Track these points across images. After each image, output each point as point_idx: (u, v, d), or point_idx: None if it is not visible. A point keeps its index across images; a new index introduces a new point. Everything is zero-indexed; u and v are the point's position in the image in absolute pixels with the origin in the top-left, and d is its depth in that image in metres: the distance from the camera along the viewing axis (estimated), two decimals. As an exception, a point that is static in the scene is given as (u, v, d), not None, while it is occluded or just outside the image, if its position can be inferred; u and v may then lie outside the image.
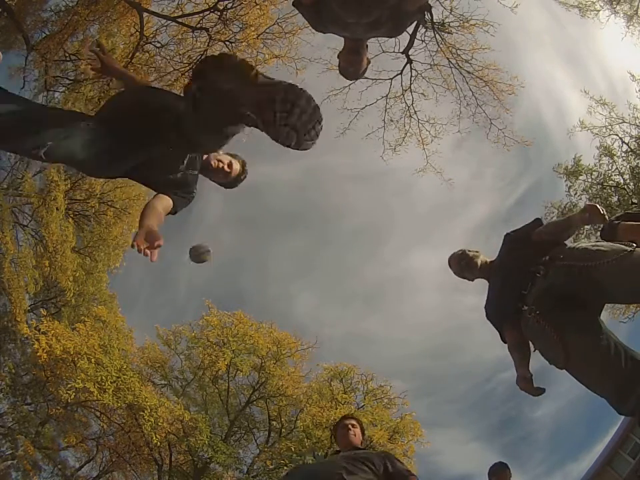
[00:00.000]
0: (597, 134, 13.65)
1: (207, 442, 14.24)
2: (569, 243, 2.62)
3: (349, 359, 18.62)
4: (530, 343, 2.59)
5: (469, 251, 3.04)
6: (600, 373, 2.16)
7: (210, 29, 10.58)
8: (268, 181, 25.15)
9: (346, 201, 31.29)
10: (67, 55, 11.15)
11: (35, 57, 10.80)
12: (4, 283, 12.69)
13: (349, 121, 12.16)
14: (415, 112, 12.14)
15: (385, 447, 14.46)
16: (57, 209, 12.50)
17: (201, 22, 10.62)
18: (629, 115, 13.38)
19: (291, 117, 1.82)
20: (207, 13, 10.51)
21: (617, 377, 2.11)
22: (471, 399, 30.07)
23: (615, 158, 13.74)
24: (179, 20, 10.66)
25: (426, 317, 33.55)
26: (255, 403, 17.18)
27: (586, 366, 2.21)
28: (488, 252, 3.06)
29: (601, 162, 13.82)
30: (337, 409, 15.36)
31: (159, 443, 14.20)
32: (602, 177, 13.78)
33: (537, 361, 2.55)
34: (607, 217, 2.50)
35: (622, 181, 13.69)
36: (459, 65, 11.47)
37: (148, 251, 1.85)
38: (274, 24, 10.79)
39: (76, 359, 13.43)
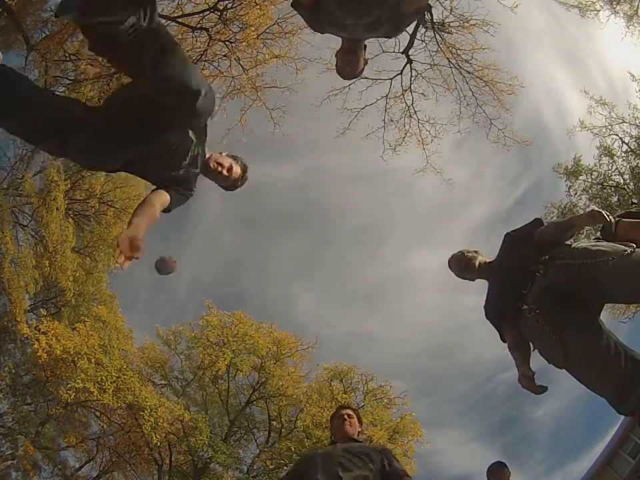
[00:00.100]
0: (597, 134, 13.67)
1: (206, 442, 14.24)
2: (569, 242, 2.62)
3: (348, 358, 18.64)
4: (530, 342, 2.59)
5: (468, 251, 3.04)
6: (600, 372, 2.16)
7: (210, 29, 10.58)
8: (268, 180, 25.13)
9: (346, 201, 31.33)
10: (67, 54, 11.16)
11: (34, 57, 10.80)
12: (4, 283, 12.69)
13: (349, 120, 12.20)
14: (415, 112, 12.17)
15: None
16: (57, 208, 12.50)
17: (201, 22, 10.62)
18: (629, 115, 13.41)
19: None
20: (207, 13, 10.51)
21: (616, 376, 2.10)
22: (471, 399, 30.12)
23: (615, 158, 13.76)
24: (179, 20, 10.65)
25: (426, 316, 33.58)
26: (255, 403, 17.18)
27: (585, 366, 2.21)
28: (488, 252, 3.06)
29: (600, 162, 13.84)
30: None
31: (159, 443, 14.21)
32: (602, 177, 13.78)
33: (536, 360, 2.55)
34: (612, 222, 2.50)
35: (622, 180, 13.69)
36: (458, 65, 11.48)
37: (123, 259, 1.86)
38: (274, 24, 10.79)
39: (76, 359, 13.43)
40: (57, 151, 2.25)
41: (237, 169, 2.55)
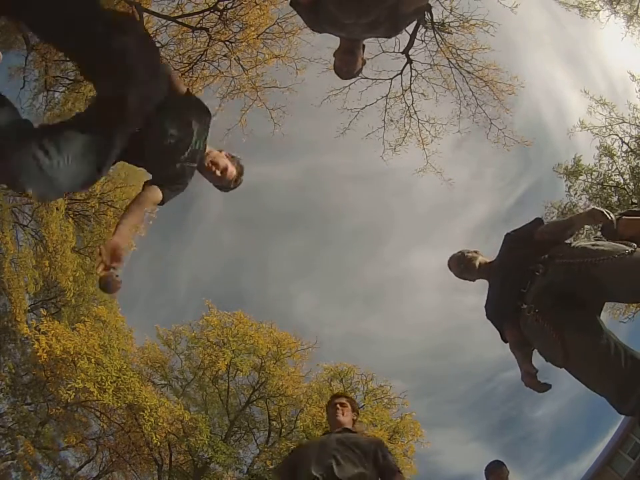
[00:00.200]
0: (597, 134, 13.66)
1: (206, 442, 14.25)
2: (569, 241, 2.62)
3: (349, 358, 18.65)
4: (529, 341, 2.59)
5: (468, 252, 3.03)
6: (600, 372, 2.15)
7: (210, 29, 10.59)
8: (268, 180, 25.19)
9: (346, 201, 31.36)
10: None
11: (34, 56, 10.81)
12: (4, 283, 12.70)
13: (349, 120, 12.20)
14: (415, 112, 12.16)
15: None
16: (57, 209, 12.51)
17: (201, 22, 10.62)
18: (629, 115, 13.41)
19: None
20: (207, 13, 10.51)
21: (617, 376, 2.10)
22: (471, 399, 30.13)
23: (615, 158, 13.75)
24: (179, 20, 10.66)
25: (426, 316, 33.60)
26: (255, 403, 17.18)
27: (585, 365, 2.20)
28: (488, 252, 3.05)
29: (600, 162, 13.84)
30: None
31: (159, 443, 14.21)
32: (602, 177, 13.78)
33: (536, 360, 2.55)
34: (613, 219, 2.50)
35: (622, 180, 13.69)
36: (459, 65, 11.48)
37: (101, 267, 1.87)
38: (274, 24, 10.80)
39: (76, 358, 13.43)
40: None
41: (232, 170, 2.47)
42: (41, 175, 1.57)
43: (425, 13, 10.19)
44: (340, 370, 17.09)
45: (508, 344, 2.74)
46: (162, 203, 2.28)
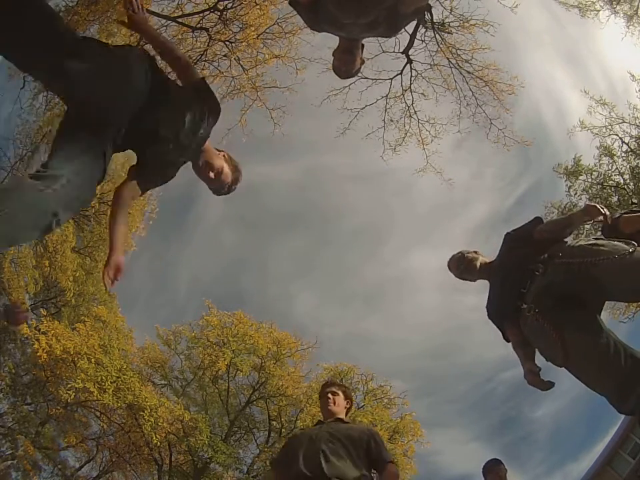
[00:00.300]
0: (597, 134, 13.65)
1: (207, 442, 14.24)
2: (569, 241, 2.62)
3: (348, 358, 18.62)
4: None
5: (468, 253, 3.03)
6: (599, 371, 2.16)
7: (210, 29, 10.59)
8: (268, 180, 25.20)
9: (346, 200, 31.33)
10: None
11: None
12: (4, 283, 12.70)
13: (349, 120, 12.19)
14: (415, 112, 12.16)
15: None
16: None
17: (201, 22, 10.62)
18: (629, 115, 13.39)
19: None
20: (207, 13, 10.51)
21: (616, 375, 2.10)
22: (471, 399, 30.08)
23: (615, 158, 13.74)
24: (179, 20, 10.66)
25: (426, 316, 33.55)
26: (255, 403, 17.18)
27: (586, 364, 2.21)
28: (488, 252, 3.05)
29: (601, 162, 13.82)
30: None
31: (159, 443, 14.20)
32: (602, 177, 13.77)
33: (537, 359, 2.55)
34: (607, 214, 2.51)
35: (622, 180, 13.68)
36: (459, 65, 11.48)
37: (110, 283, 2.00)
38: (274, 24, 10.79)
39: (76, 359, 13.43)
40: None
41: (227, 173, 2.35)
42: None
43: (425, 13, 10.19)
44: (340, 370, 17.08)
45: (510, 344, 2.75)
46: (143, 190, 2.29)
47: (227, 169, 2.34)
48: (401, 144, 12.51)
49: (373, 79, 11.73)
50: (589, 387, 2.23)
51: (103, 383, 13.13)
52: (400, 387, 17.62)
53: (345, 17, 2.24)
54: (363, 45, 2.54)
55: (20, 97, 11.59)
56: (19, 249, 13.02)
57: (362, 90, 11.82)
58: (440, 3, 10.85)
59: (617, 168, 13.76)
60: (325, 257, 33.61)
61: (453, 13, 10.97)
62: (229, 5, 10.56)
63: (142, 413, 13.63)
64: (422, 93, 11.93)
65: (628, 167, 13.68)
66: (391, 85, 11.93)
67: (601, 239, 2.47)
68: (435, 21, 11.01)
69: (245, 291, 29.91)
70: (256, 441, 17.16)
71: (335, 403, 3.14)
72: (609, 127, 13.55)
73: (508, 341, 2.78)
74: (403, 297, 32.82)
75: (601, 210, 2.49)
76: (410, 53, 11.44)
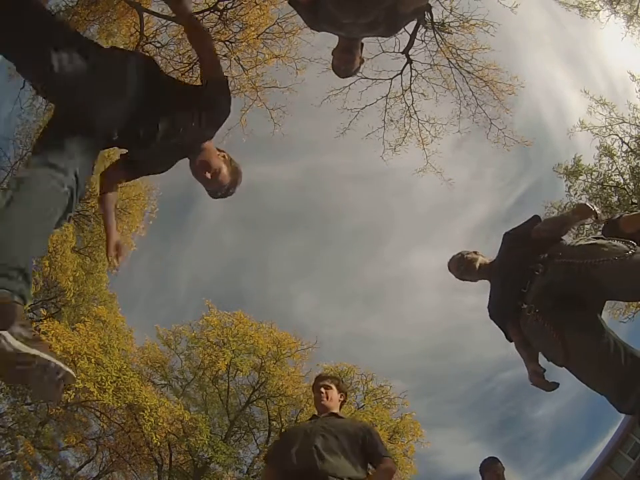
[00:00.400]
0: (597, 134, 13.64)
1: (207, 442, 14.25)
2: (569, 240, 2.62)
3: (349, 358, 18.68)
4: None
5: (468, 253, 3.02)
6: (600, 370, 2.16)
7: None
8: (268, 180, 25.24)
9: (346, 200, 31.40)
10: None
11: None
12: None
13: (349, 120, 12.16)
14: (415, 112, 12.13)
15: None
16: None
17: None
18: (629, 115, 13.38)
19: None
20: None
21: (616, 374, 2.11)
22: (470, 399, 30.14)
23: (615, 158, 13.73)
24: (179, 20, 10.65)
25: (426, 317, 33.63)
26: (255, 403, 17.19)
27: (586, 364, 2.21)
28: (488, 252, 3.05)
29: (600, 162, 13.81)
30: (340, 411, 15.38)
31: (159, 443, 14.21)
32: (602, 177, 13.76)
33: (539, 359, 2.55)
34: (597, 212, 2.51)
35: (622, 180, 13.66)
36: (459, 65, 11.47)
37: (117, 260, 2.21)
38: (274, 24, 10.79)
39: (76, 358, 13.42)
40: None
41: (224, 174, 2.21)
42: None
43: (425, 12, 10.18)
44: (340, 370, 17.09)
45: (513, 343, 2.75)
46: (129, 178, 2.32)
47: (225, 170, 2.21)
48: (401, 144, 12.50)
49: (372, 79, 11.72)
50: (589, 386, 2.23)
51: (103, 383, 13.14)
52: (400, 387, 17.69)
53: (345, 16, 2.24)
54: (362, 44, 2.54)
55: (20, 97, 11.61)
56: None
57: (362, 90, 11.81)
58: (440, 2, 10.85)
59: (616, 168, 13.76)
60: (324, 257, 33.70)
61: (453, 13, 10.96)
62: (229, 5, 10.56)
63: (142, 413, 13.64)
64: (422, 93, 11.92)
65: (628, 166, 13.67)
66: (390, 84, 11.93)
67: (602, 238, 2.47)
68: (434, 20, 11.00)
69: (245, 290, 29.99)
70: (256, 440, 17.21)
71: (328, 398, 3.08)
72: (609, 126, 13.55)
73: (511, 341, 2.78)
74: (403, 297, 32.91)
75: (591, 208, 2.49)
76: (410, 53, 11.43)
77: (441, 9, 10.93)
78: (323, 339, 20.57)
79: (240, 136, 11.64)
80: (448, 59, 11.41)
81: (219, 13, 10.52)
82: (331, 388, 3.14)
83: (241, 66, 11.00)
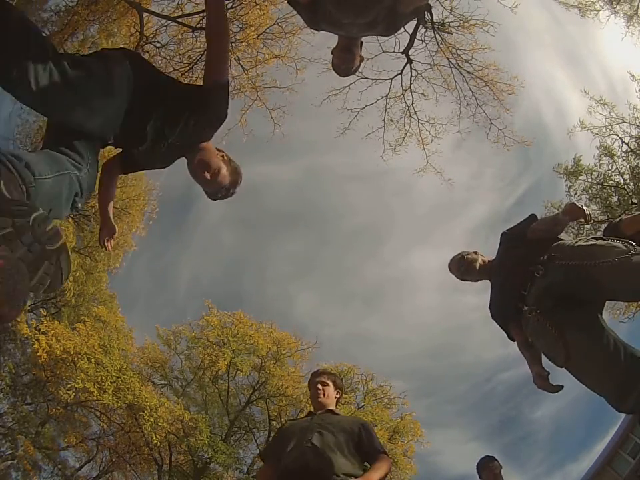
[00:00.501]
0: (597, 134, 13.63)
1: (207, 442, 14.25)
2: (569, 240, 2.62)
3: (348, 358, 18.67)
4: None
5: (468, 254, 3.03)
6: (600, 371, 2.17)
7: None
8: (268, 181, 25.24)
9: (346, 201, 31.42)
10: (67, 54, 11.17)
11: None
12: (4, 284, 12.67)
13: (349, 120, 12.17)
14: (415, 112, 12.14)
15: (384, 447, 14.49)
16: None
17: (201, 22, 10.62)
18: (629, 115, 13.37)
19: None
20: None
21: (616, 375, 2.11)
22: (470, 400, 30.10)
23: (615, 158, 13.72)
24: (179, 20, 10.66)
25: (426, 317, 33.63)
26: (255, 402, 17.18)
27: (586, 365, 2.22)
28: (488, 252, 3.06)
29: (600, 162, 13.80)
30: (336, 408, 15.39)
31: (159, 443, 14.21)
32: (602, 177, 13.75)
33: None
34: (587, 211, 2.51)
35: (622, 180, 13.66)
36: (459, 65, 11.47)
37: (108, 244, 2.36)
38: (274, 24, 10.80)
39: (76, 359, 13.44)
40: None
41: (224, 175, 2.17)
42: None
43: (425, 12, 10.18)
44: (340, 370, 17.07)
45: (515, 343, 2.76)
46: (126, 171, 2.33)
47: (224, 170, 2.18)
48: (401, 144, 12.51)
49: (372, 79, 11.73)
50: (588, 387, 2.24)
51: (103, 383, 13.14)
52: (400, 387, 17.68)
53: (344, 16, 2.24)
54: (361, 42, 2.54)
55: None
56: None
57: (362, 90, 11.83)
58: (440, 2, 10.85)
59: (616, 168, 13.75)
60: (324, 257, 33.69)
61: (453, 13, 10.97)
62: (229, 5, 10.56)
63: (142, 413, 13.64)
64: (422, 93, 11.93)
65: (628, 166, 13.66)
66: (390, 85, 11.94)
67: (601, 239, 2.47)
68: (434, 20, 11.00)
69: (244, 290, 29.99)
70: (256, 441, 17.17)
71: (325, 394, 3.07)
72: (609, 126, 13.54)
73: (513, 340, 2.79)
74: (403, 297, 32.90)
75: (580, 208, 2.50)
76: (410, 52, 11.43)
77: (441, 9, 10.96)
78: (322, 339, 20.62)
79: (240, 136, 11.66)
80: (448, 59, 11.42)
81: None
82: (328, 384, 3.13)
83: (241, 66, 11.01)
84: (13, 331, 14.29)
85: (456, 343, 30.92)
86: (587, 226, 11.36)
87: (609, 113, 13.52)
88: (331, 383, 3.15)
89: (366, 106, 12.03)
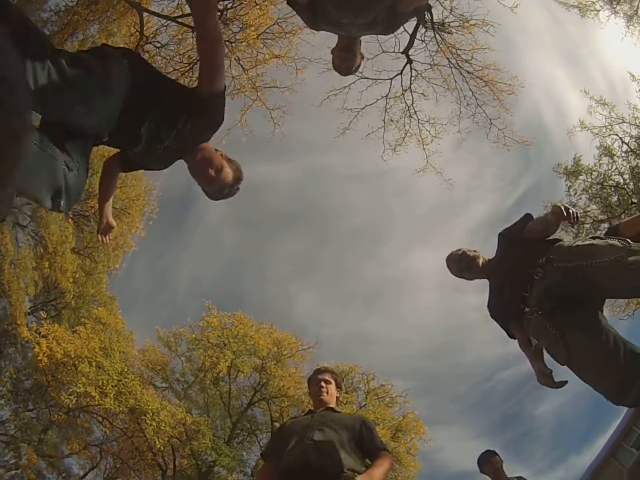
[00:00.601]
0: (597, 134, 13.61)
1: (210, 445, 14.22)
2: (566, 242, 2.62)
3: (349, 359, 18.67)
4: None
5: (469, 251, 3.03)
6: (600, 368, 2.20)
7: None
8: (268, 181, 25.24)
9: (345, 201, 31.46)
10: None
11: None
12: (4, 285, 12.69)
13: (349, 120, 12.15)
14: (415, 112, 12.12)
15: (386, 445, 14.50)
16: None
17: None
18: (629, 115, 13.36)
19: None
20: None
21: (616, 372, 2.15)
22: (471, 399, 30.13)
23: (615, 158, 13.71)
24: (179, 20, 10.66)
25: (426, 317, 33.67)
26: (256, 404, 17.15)
27: (587, 363, 2.25)
28: (487, 252, 3.07)
29: (600, 162, 13.79)
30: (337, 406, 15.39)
31: (162, 448, 14.19)
32: (602, 176, 13.75)
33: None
34: (572, 213, 2.52)
35: (622, 180, 13.65)
36: (459, 65, 11.46)
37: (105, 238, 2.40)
38: (274, 24, 10.80)
39: (77, 362, 13.40)
40: None
41: (227, 172, 2.17)
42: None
43: (425, 12, 10.18)
44: (341, 370, 17.07)
45: (517, 342, 2.76)
46: (125, 170, 2.33)
47: (227, 167, 2.18)
48: (401, 144, 12.49)
49: (372, 79, 11.72)
50: (589, 385, 2.27)
51: (104, 387, 13.11)
52: (400, 386, 17.70)
53: (344, 16, 2.23)
54: (361, 42, 2.54)
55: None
56: (19, 251, 13.02)
57: (362, 90, 11.81)
58: (440, 2, 10.85)
59: (616, 168, 13.74)
60: (324, 257, 33.73)
61: (453, 13, 10.96)
62: (229, 5, 10.57)
63: (144, 417, 13.61)
64: (422, 93, 11.91)
65: (628, 167, 13.65)
66: (390, 85, 11.92)
67: (599, 238, 2.48)
68: (434, 20, 11.00)
69: (245, 291, 30.01)
70: (259, 442, 17.12)
71: (327, 393, 3.07)
72: (609, 127, 13.53)
73: (513, 338, 2.80)
74: (403, 297, 32.94)
75: (563, 212, 2.50)
76: (410, 52, 11.42)
77: (440, 9, 10.95)
78: (323, 339, 20.61)
79: (240, 136, 11.66)
80: (448, 59, 11.41)
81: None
82: (331, 383, 3.13)
83: (241, 66, 11.02)
84: (14, 334, 14.27)
85: (456, 342, 30.97)
86: (587, 225, 11.35)
87: (609, 113, 13.52)
88: (333, 382, 3.16)
89: (366, 106, 12.02)
